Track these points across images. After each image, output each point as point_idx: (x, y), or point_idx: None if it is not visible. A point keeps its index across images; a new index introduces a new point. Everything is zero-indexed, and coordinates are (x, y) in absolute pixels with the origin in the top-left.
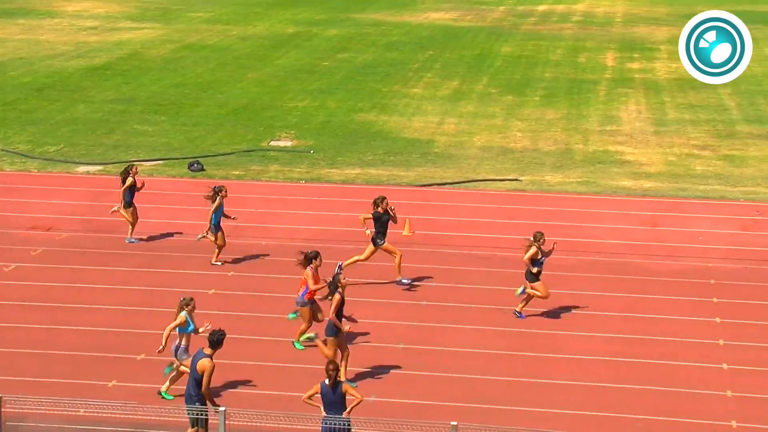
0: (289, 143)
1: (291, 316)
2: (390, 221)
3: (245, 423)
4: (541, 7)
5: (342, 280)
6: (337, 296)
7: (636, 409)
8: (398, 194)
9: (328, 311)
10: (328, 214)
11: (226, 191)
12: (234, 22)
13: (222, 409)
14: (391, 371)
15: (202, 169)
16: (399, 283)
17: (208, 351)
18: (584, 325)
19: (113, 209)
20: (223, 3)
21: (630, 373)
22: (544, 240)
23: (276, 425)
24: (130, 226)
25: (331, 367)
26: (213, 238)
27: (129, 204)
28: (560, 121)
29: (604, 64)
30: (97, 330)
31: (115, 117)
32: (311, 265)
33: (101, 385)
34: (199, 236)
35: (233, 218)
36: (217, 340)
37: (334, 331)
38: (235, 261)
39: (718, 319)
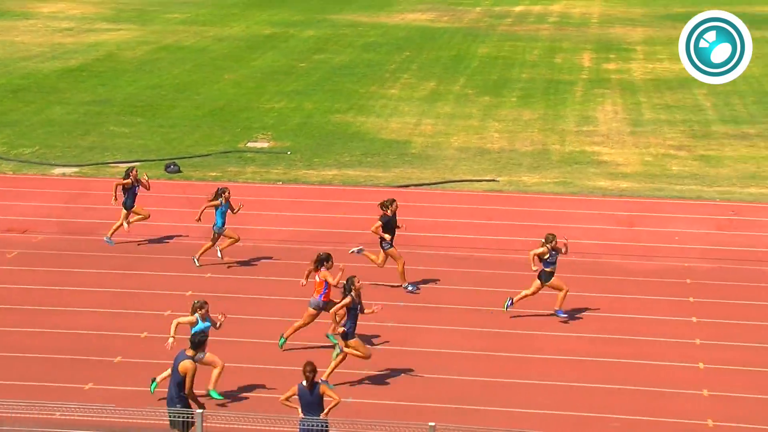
0: (266, 144)
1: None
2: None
3: (223, 425)
4: (518, 8)
5: (356, 283)
6: (348, 298)
7: (613, 408)
8: (375, 195)
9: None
10: (306, 215)
11: (229, 192)
12: (210, 24)
13: (199, 411)
14: (369, 372)
15: (179, 171)
16: (405, 289)
17: (189, 352)
18: (561, 326)
19: (127, 226)
20: (199, 4)
21: (607, 373)
22: (556, 242)
23: (253, 427)
24: (115, 226)
25: (308, 368)
26: (224, 237)
27: (129, 206)
28: (537, 121)
29: (580, 64)
30: (73, 332)
31: (91, 119)
32: (324, 267)
33: (77, 388)
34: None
35: (240, 206)
36: (198, 341)
37: (346, 334)
38: (213, 263)
39: (694, 319)
